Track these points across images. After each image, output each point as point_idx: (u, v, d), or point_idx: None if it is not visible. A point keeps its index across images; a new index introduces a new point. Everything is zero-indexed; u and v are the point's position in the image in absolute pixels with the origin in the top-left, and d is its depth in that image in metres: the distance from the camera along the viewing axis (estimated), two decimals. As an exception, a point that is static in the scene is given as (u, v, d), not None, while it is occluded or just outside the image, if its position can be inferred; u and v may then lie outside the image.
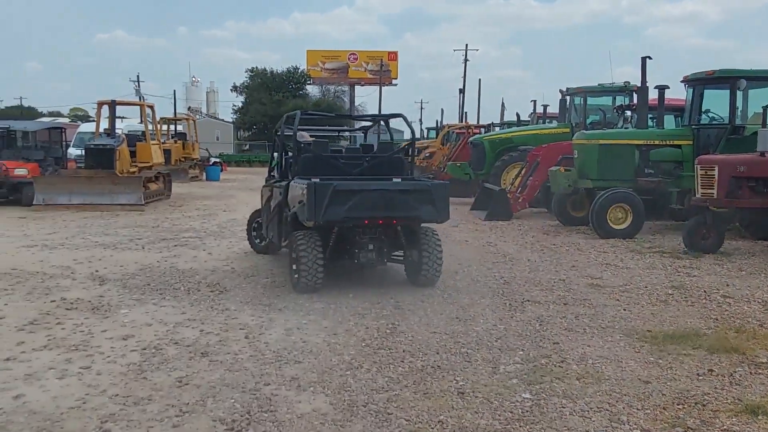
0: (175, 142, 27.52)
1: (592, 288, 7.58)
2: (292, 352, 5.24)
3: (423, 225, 7.64)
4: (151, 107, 21.25)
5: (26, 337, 5.57)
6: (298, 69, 58.61)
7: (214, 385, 4.52)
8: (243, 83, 58.72)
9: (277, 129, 9.30)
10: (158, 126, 23.34)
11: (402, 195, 7.19)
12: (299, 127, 8.38)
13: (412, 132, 9.17)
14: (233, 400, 4.25)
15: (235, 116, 60.50)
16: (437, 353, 5.27)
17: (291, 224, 7.52)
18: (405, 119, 9.02)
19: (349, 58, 61.04)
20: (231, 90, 60.64)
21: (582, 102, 15.91)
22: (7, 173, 16.19)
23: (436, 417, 4.05)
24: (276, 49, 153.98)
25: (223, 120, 64.99)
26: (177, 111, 50.82)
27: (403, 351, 5.31)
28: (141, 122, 21.35)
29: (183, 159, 27.29)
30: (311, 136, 9.22)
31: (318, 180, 7.01)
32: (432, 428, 3.91)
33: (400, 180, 7.75)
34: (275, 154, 9.33)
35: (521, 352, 5.30)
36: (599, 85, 16.13)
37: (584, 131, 13.52)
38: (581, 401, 4.30)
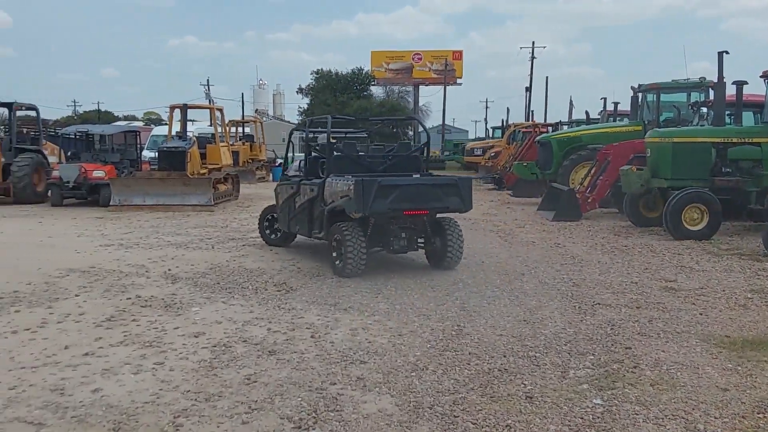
0: (243, 143, 28.10)
1: (667, 291, 7.32)
2: (358, 352, 5.26)
3: (446, 216, 8.65)
4: (220, 110, 21.80)
5: (104, 333, 5.80)
6: (363, 70, 58.86)
7: (282, 383, 4.59)
8: (308, 85, 59.43)
9: (292, 132, 11.13)
10: (227, 128, 23.90)
11: (434, 189, 8.28)
12: (318, 130, 10.02)
13: (428, 135, 9.89)
14: (300, 399, 4.30)
15: (300, 118, 61.37)
16: (504, 356, 5.19)
17: (329, 217, 8.41)
18: (421, 123, 10.85)
19: (413, 59, 60.99)
20: (297, 92, 61.52)
21: (655, 99, 15.39)
22: (86, 175, 16.92)
23: (504, 421, 3.98)
24: (341, 51, 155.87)
25: (289, 122, 65.95)
26: (245, 113, 51.99)
27: (469, 353, 5.26)
28: (210, 125, 21.94)
29: (250, 160, 27.84)
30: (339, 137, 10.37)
31: (365, 177, 7.92)
32: (499, 432, 3.85)
33: (427, 175, 8.97)
34: (293, 155, 10.61)
35: (592, 357, 5.16)
36: (673, 81, 15.56)
37: (658, 129, 13.08)
38: (655, 408, 4.15)
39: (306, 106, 59.93)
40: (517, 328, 5.96)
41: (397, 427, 3.93)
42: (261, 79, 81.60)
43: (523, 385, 4.57)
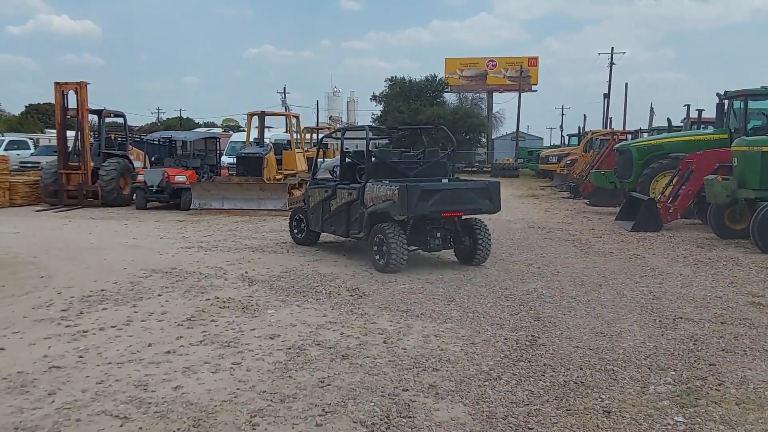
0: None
1: (753, 306, 6.97)
2: (430, 360, 5.25)
3: (476, 217, 9.44)
4: (296, 117, 22.24)
5: (184, 332, 6.01)
6: (436, 77, 58.76)
7: (355, 387, 4.63)
8: (382, 92, 59.77)
9: (322, 139, 13.03)
10: (302, 135, 24.38)
11: (469, 192, 9.05)
12: (351, 137, 11.55)
13: (453, 142, 10.65)
14: (373, 404, 4.33)
15: (374, 124, 61.84)
16: (580, 369, 5.07)
17: (369, 219, 9.11)
18: (447, 131, 10.82)
19: (487, 65, 60.54)
20: (370, 99, 61.98)
21: (742, 106, 14.68)
22: (168, 180, 17.62)
23: (580, 435, 3.89)
24: (415, 58, 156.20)
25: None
26: (319, 120, 52.87)
27: (544, 364, 5.16)
28: (286, 131, 22.41)
29: (324, 166, 28.27)
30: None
31: (409, 183, 8.68)
32: (575, 447, 3.76)
33: (454, 180, 9.98)
34: (323, 161, 11.78)
35: (673, 373, 4.97)
36: (762, 87, 14.77)
37: (745, 137, 12.47)
38: (741, 428, 3.97)
39: (379, 113, 60.34)
40: (593, 340, 5.81)
41: (470, 436, 3.90)
42: (335, 87, 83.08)
43: (600, 399, 4.45)
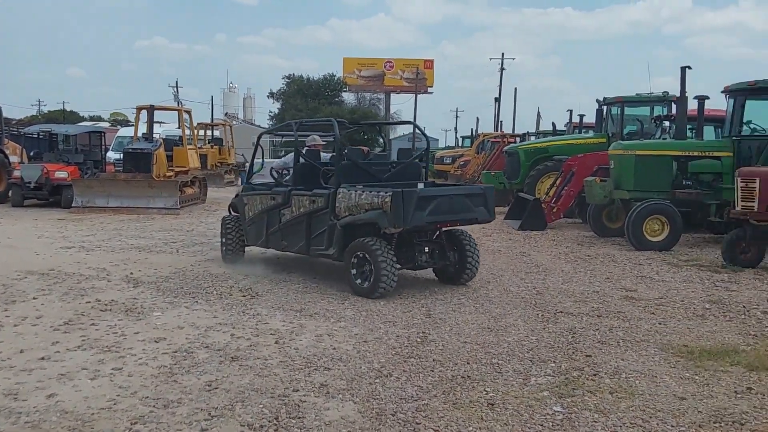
0: (212, 147, 27.88)
1: (627, 300, 7.44)
2: (322, 359, 5.24)
3: (462, 228, 8.25)
4: (188, 112, 21.53)
5: (61, 337, 5.68)
6: (335, 76, 58.89)
7: (244, 389, 4.55)
8: (279, 90, 59.22)
9: (261, 135, 10.22)
10: (195, 131, 23.67)
11: (466, 199, 7.85)
12: (304, 133, 9.42)
13: (427, 140, 9.34)
14: (262, 406, 4.27)
15: (271, 122, 61.09)
16: (468, 363, 5.22)
17: (343, 232, 7.66)
18: (419, 128, 9.84)
19: (385, 66, 61.26)
20: (267, 96, 61.21)
21: (619, 112, 15.66)
22: (48, 176, 16.59)
23: (465, 428, 4.01)
24: (313, 57, 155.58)
25: (259, 126, 65.61)
26: (214, 116, 51.56)
27: (434, 360, 5.28)
28: (178, 127, 21.68)
29: (219, 164, 27.64)
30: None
31: (404, 188, 7.31)
32: (460, 440, 3.86)
33: (430, 184, 8.66)
34: (261, 161, 9.68)
35: (553, 364, 5.21)
36: (637, 94, 15.87)
37: (621, 141, 13.29)
38: (614, 416, 4.21)
39: (277, 111, 59.65)
40: (481, 335, 6.00)
41: (359, 434, 3.92)
42: (231, 83, 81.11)
43: (485, 392, 4.60)
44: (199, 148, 22.57)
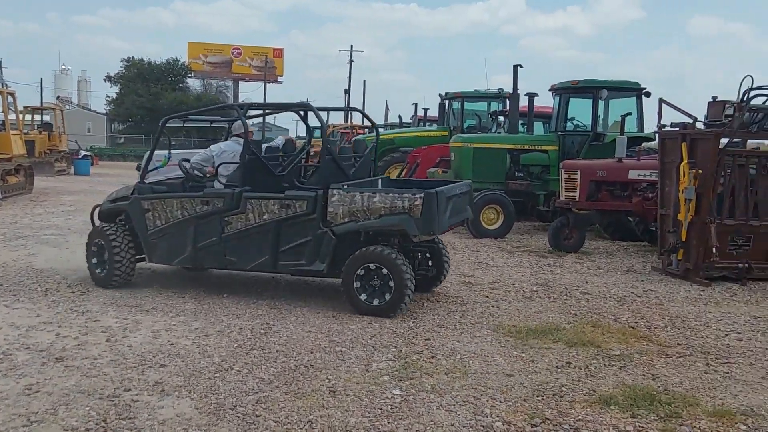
0: (40, 132, 25.72)
1: (464, 285, 7.82)
2: (158, 356, 5.02)
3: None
4: (12, 94, 19.65)
5: None
6: (179, 61, 56.58)
7: (68, 392, 4.24)
8: (118, 73, 55.95)
9: (167, 120, 7.73)
10: (20, 115, 21.67)
11: (465, 197, 7.33)
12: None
13: (377, 130, 8.92)
14: (89, 408, 4.00)
15: (109, 108, 57.53)
16: (311, 352, 5.23)
17: (337, 242, 6.52)
18: (366, 116, 8.82)
19: (232, 53, 59.52)
20: (105, 80, 57.55)
21: (459, 106, 16.41)
22: None
23: (306, 417, 4.01)
24: (156, 40, 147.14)
25: (95, 111, 61.53)
26: (44, 100, 47.47)
27: (277, 351, 5.23)
28: (1, 111, 19.72)
29: (48, 151, 25.54)
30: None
31: (433, 189, 6.40)
32: (301, 428, 3.87)
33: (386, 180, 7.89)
34: (167, 153, 7.62)
35: (394, 349, 5.36)
36: (475, 91, 16.71)
37: (460, 135, 13.96)
38: (448, 395, 4.41)
39: (115, 95, 56.34)
40: (326, 324, 6.04)
41: (196, 431, 3.80)
42: (64, 65, 75.17)
43: (327, 380, 4.63)
44: (25, 134, 20.68)
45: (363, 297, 6.38)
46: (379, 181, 7.73)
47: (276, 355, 5.13)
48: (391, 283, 6.25)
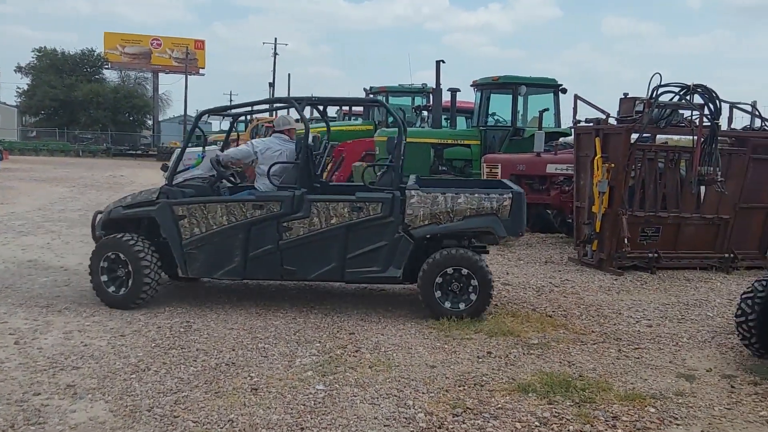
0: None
1: (389, 279, 7.85)
2: (70, 358, 4.81)
3: None
4: None
5: None
6: (94, 52, 54.41)
7: (-29, 399, 4.01)
8: (29, 64, 53.34)
9: (202, 114, 7.07)
10: None
11: None
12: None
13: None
14: (-6, 415, 3.80)
15: (19, 100, 54.74)
16: (233, 350, 5.14)
17: (415, 247, 6.22)
18: (388, 108, 8.20)
19: (152, 44, 57.55)
20: (15, 71, 54.71)
21: (385, 101, 16.48)
22: None
23: (227, 416, 3.94)
24: (70, 29, 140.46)
25: (5, 104, 58.40)
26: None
27: (197, 349, 5.12)
28: None
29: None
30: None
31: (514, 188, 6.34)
32: (221, 428, 3.79)
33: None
34: (201, 151, 7.05)
35: (318, 344, 5.34)
36: (399, 85, 16.85)
37: (385, 129, 14.03)
38: (372, 389, 4.43)
39: (26, 87, 53.77)
40: (248, 320, 5.95)
41: (110, 434, 3.67)
42: (-32, 53, 70.88)
43: (249, 378, 4.57)
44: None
45: (448, 305, 6.13)
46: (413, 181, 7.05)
47: (196, 354, 5.02)
48: (474, 282, 6.10)
